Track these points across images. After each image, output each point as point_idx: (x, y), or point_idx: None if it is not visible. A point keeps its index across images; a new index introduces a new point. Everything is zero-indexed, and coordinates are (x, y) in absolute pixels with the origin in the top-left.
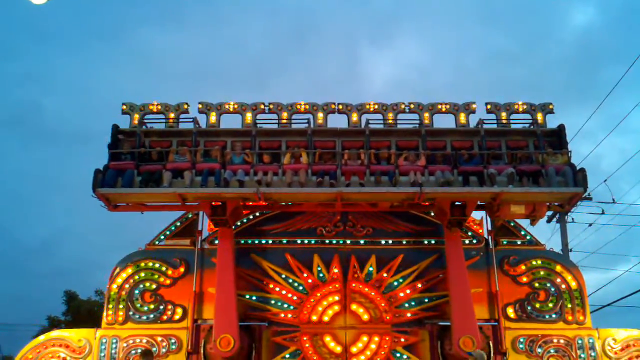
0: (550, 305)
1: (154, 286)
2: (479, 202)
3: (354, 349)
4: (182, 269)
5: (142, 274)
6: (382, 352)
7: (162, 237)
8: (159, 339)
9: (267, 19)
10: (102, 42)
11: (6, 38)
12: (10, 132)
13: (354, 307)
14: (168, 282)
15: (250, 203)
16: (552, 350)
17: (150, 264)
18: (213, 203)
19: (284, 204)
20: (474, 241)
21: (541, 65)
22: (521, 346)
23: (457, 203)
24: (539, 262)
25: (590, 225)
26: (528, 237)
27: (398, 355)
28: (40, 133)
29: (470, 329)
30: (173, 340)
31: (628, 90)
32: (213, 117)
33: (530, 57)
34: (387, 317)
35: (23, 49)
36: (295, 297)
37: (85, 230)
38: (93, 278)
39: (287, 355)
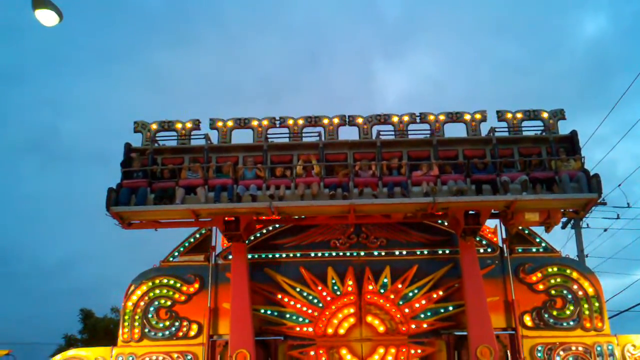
0: (568, 312)
1: (169, 303)
2: (492, 211)
3: None
4: (196, 285)
5: (157, 291)
6: None
7: (176, 253)
8: (175, 355)
9: (279, 37)
10: (116, 64)
11: (23, 63)
12: (29, 155)
13: (369, 319)
14: (183, 298)
15: (264, 217)
16: (571, 358)
17: (165, 280)
18: (226, 218)
19: (297, 217)
20: (489, 250)
21: (554, 76)
22: (539, 354)
23: (470, 212)
24: (555, 269)
25: (605, 230)
26: (543, 244)
27: None
28: (58, 156)
29: (488, 338)
30: (189, 357)
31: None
32: (225, 133)
33: (542, 68)
34: (403, 328)
35: (39, 73)
36: (310, 311)
37: (103, 250)
38: (110, 296)
39: None
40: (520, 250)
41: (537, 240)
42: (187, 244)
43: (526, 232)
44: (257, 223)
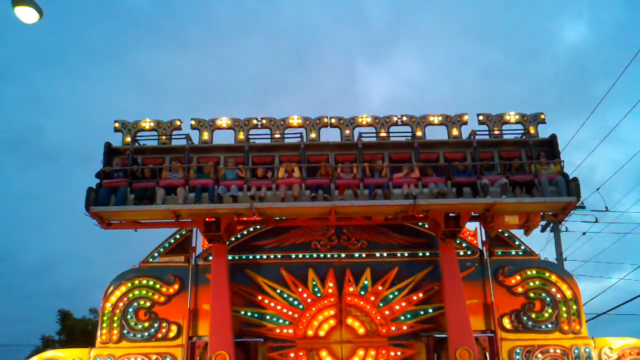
0: (546, 315)
1: (148, 304)
2: (472, 213)
3: None
4: (176, 286)
5: (136, 292)
6: None
7: (156, 254)
8: (154, 357)
9: (266, 39)
10: (102, 64)
11: (7, 62)
12: (11, 154)
13: (349, 321)
14: (162, 299)
15: (245, 218)
16: None
17: (145, 281)
18: (207, 219)
19: (278, 218)
20: (469, 252)
21: (535, 81)
22: (518, 357)
23: (451, 214)
24: (534, 272)
25: (584, 234)
26: (522, 247)
27: None
28: (40, 155)
29: (467, 341)
30: (168, 358)
31: (620, 102)
32: (206, 134)
33: (524, 73)
34: (383, 331)
35: (23, 72)
36: (290, 312)
37: (84, 250)
38: (89, 297)
39: None
40: (499, 253)
41: (517, 243)
42: (167, 245)
43: (506, 234)
44: (238, 224)
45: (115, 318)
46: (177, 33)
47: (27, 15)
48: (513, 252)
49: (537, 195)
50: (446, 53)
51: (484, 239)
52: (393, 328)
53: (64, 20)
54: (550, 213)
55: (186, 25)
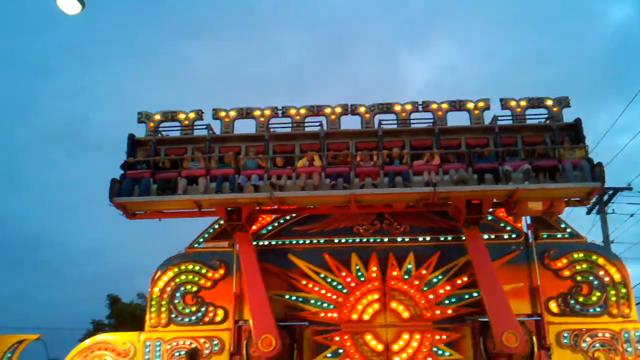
0: (594, 298)
1: (195, 288)
2: (495, 200)
3: (395, 347)
4: (221, 271)
5: (183, 277)
6: (424, 350)
7: (201, 239)
8: (202, 340)
9: (305, 28)
10: (143, 56)
11: (54, 55)
12: (60, 145)
13: (393, 304)
14: (208, 284)
15: (266, 207)
16: (597, 345)
17: (191, 266)
18: (228, 208)
19: (298, 207)
20: (513, 235)
21: (577, 62)
22: (565, 341)
23: (472, 202)
24: (581, 255)
25: (631, 215)
26: (568, 230)
27: (440, 352)
28: (87, 145)
29: (511, 324)
30: (216, 342)
31: None
32: (227, 123)
33: (566, 54)
34: (428, 315)
35: (69, 65)
36: (334, 297)
37: (131, 236)
38: (136, 282)
39: (329, 355)
40: (545, 236)
41: (563, 226)
42: (211, 230)
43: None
44: (260, 213)
45: (163, 302)
46: (217, 24)
47: (69, 6)
48: (559, 235)
49: (561, 181)
50: (485, 36)
51: (529, 221)
52: (437, 312)
53: (107, 13)
54: (574, 199)
55: (226, 16)
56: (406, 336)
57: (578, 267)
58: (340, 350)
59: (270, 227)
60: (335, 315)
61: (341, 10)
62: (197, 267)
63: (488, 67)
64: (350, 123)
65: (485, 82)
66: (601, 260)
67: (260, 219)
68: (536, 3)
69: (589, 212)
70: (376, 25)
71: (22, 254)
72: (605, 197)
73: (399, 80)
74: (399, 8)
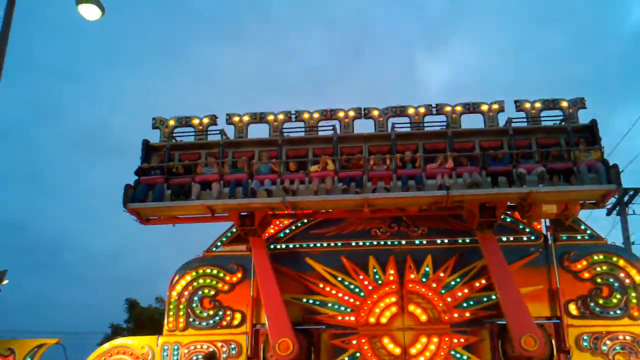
0: (615, 300)
1: (212, 292)
2: (509, 203)
3: (413, 350)
4: (239, 275)
5: (201, 281)
6: (442, 353)
7: (219, 243)
8: (219, 344)
9: (324, 29)
10: (164, 60)
11: (74, 61)
12: (81, 150)
13: (411, 308)
14: (226, 287)
15: (279, 212)
16: (618, 348)
17: (208, 270)
18: (241, 213)
19: (312, 212)
20: (533, 237)
21: (601, 61)
22: (585, 344)
23: (486, 205)
24: (601, 256)
25: None
26: (588, 232)
27: (458, 355)
28: (107, 149)
29: (529, 327)
30: (233, 346)
31: None
32: (241, 128)
33: (589, 54)
34: (446, 318)
35: (90, 70)
36: (352, 300)
37: (149, 240)
38: (156, 286)
39: (347, 358)
40: (565, 238)
41: (582, 227)
42: (229, 234)
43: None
44: (273, 218)
45: (181, 306)
46: (237, 27)
47: (90, 12)
48: (579, 237)
49: (576, 183)
50: (506, 36)
51: (548, 223)
52: (455, 315)
53: (126, 18)
54: (590, 201)
55: (245, 19)
56: (424, 339)
57: (598, 269)
58: (358, 354)
59: (287, 231)
60: (352, 318)
61: (359, 10)
62: (214, 271)
63: (509, 67)
64: (364, 127)
65: (505, 83)
66: (622, 262)
67: (278, 222)
68: (557, 3)
69: (609, 213)
70: (395, 25)
71: (44, 257)
72: (626, 198)
73: (418, 80)
74: (418, 8)
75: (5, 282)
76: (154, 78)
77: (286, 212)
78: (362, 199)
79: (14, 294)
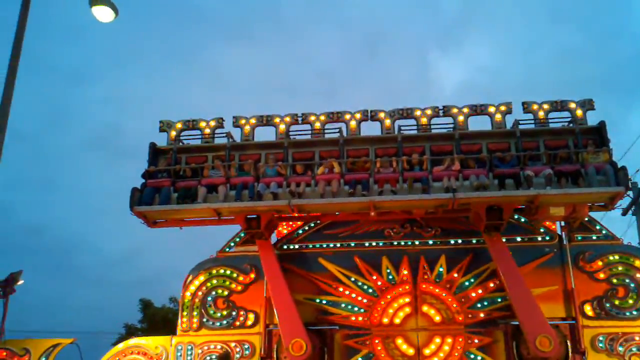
0: (631, 301)
1: (226, 293)
2: (516, 206)
3: (426, 351)
4: (252, 275)
5: (214, 281)
6: (456, 354)
7: (232, 244)
8: (233, 344)
9: (336, 31)
10: (175, 62)
11: (87, 63)
12: (93, 152)
13: (425, 308)
14: (239, 288)
15: (285, 215)
16: (634, 349)
17: (222, 270)
18: (248, 216)
19: (318, 214)
20: (547, 238)
21: (616, 61)
22: (601, 345)
23: (493, 207)
24: (617, 257)
25: None
26: (604, 232)
27: (472, 356)
28: (120, 152)
29: (543, 328)
30: (246, 346)
31: None
32: (247, 131)
33: (603, 53)
34: (460, 318)
35: (102, 73)
36: (365, 300)
37: (162, 241)
38: (169, 286)
39: (360, 359)
40: (580, 238)
41: (598, 227)
42: (242, 235)
43: (586, 219)
44: (279, 220)
45: (195, 307)
46: (248, 29)
47: (103, 14)
48: (594, 237)
49: (584, 186)
50: (520, 35)
51: (563, 223)
52: (469, 316)
53: (138, 20)
54: (598, 203)
55: (257, 20)
56: (438, 340)
57: (614, 270)
58: (371, 354)
59: (300, 231)
60: (366, 319)
61: (372, 11)
62: (228, 272)
63: (523, 67)
64: (371, 129)
65: (518, 83)
66: (638, 263)
67: (291, 223)
68: (570, 3)
69: (624, 214)
70: (408, 25)
71: (59, 259)
72: None
73: (432, 81)
74: (431, 9)
75: (20, 282)
76: (165, 80)
77: (292, 214)
78: (368, 201)
79: (30, 295)
